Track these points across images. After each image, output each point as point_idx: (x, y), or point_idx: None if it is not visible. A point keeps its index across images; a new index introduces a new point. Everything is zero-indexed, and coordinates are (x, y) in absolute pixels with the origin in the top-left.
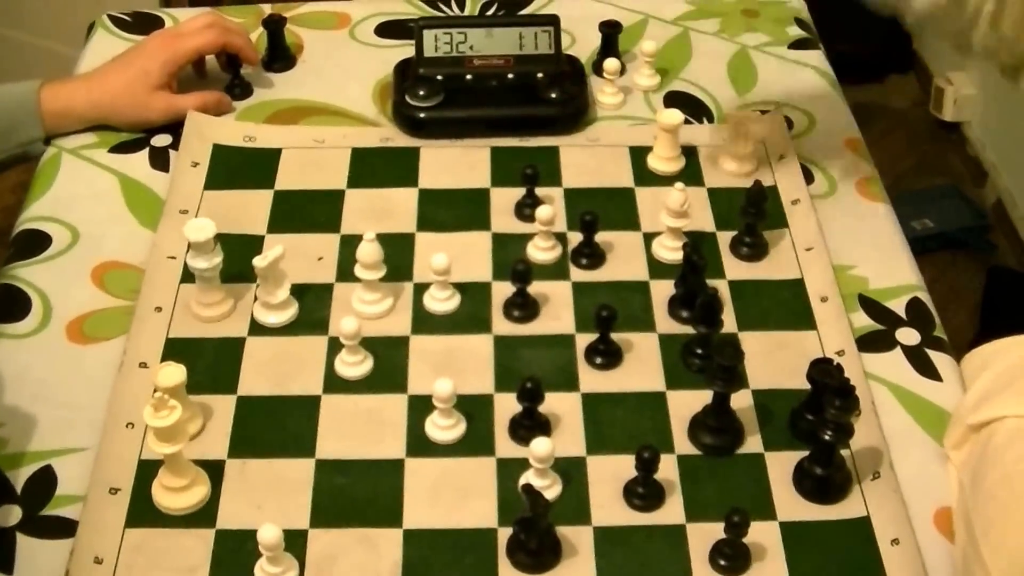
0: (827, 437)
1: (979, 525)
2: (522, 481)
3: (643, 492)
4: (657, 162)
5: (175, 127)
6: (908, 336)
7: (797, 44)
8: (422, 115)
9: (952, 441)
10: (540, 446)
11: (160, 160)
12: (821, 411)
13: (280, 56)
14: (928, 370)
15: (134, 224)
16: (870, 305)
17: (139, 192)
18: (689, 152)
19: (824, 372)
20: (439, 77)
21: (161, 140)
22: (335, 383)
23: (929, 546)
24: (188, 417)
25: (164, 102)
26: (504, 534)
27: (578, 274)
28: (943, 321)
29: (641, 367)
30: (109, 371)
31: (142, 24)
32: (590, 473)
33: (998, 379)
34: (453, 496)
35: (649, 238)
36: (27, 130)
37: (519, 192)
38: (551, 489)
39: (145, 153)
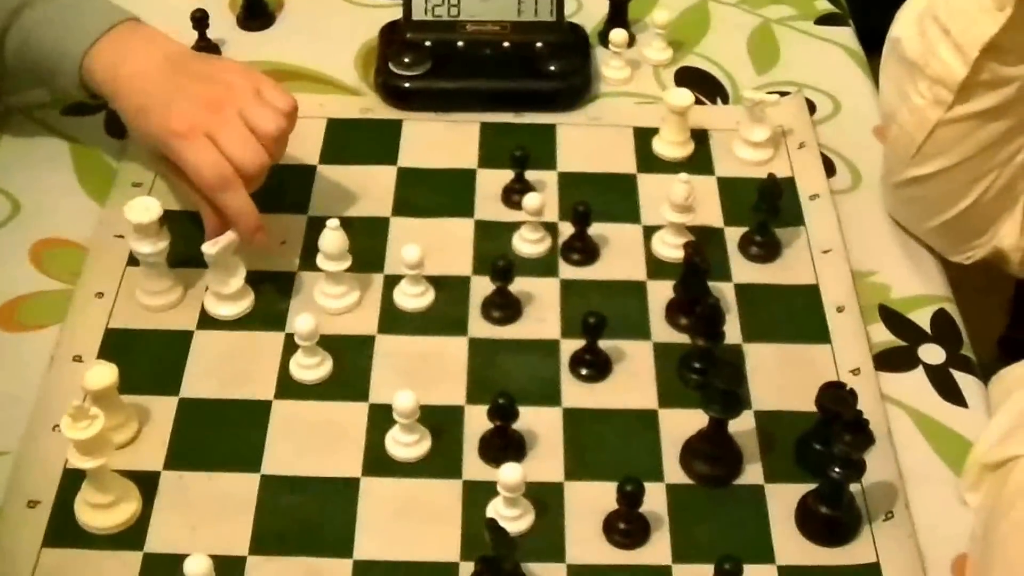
0: (835, 475)
1: None
2: (489, 511)
3: (625, 527)
4: (664, 146)
5: None
6: (932, 354)
7: (825, 19)
8: (407, 85)
9: (968, 482)
10: (509, 474)
11: (118, 125)
12: (830, 442)
13: (257, 13)
14: (953, 394)
15: (83, 196)
16: (891, 317)
17: (91, 160)
18: (700, 136)
19: (836, 399)
20: (427, 43)
21: None
22: (289, 387)
23: None
24: (119, 423)
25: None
26: (466, 569)
27: (568, 271)
28: (971, 311)
29: (632, 380)
30: (43, 363)
31: None
32: (568, 502)
33: (1021, 411)
34: (412, 523)
35: (650, 232)
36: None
37: (509, 174)
38: (522, 520)
39: (101, 117)
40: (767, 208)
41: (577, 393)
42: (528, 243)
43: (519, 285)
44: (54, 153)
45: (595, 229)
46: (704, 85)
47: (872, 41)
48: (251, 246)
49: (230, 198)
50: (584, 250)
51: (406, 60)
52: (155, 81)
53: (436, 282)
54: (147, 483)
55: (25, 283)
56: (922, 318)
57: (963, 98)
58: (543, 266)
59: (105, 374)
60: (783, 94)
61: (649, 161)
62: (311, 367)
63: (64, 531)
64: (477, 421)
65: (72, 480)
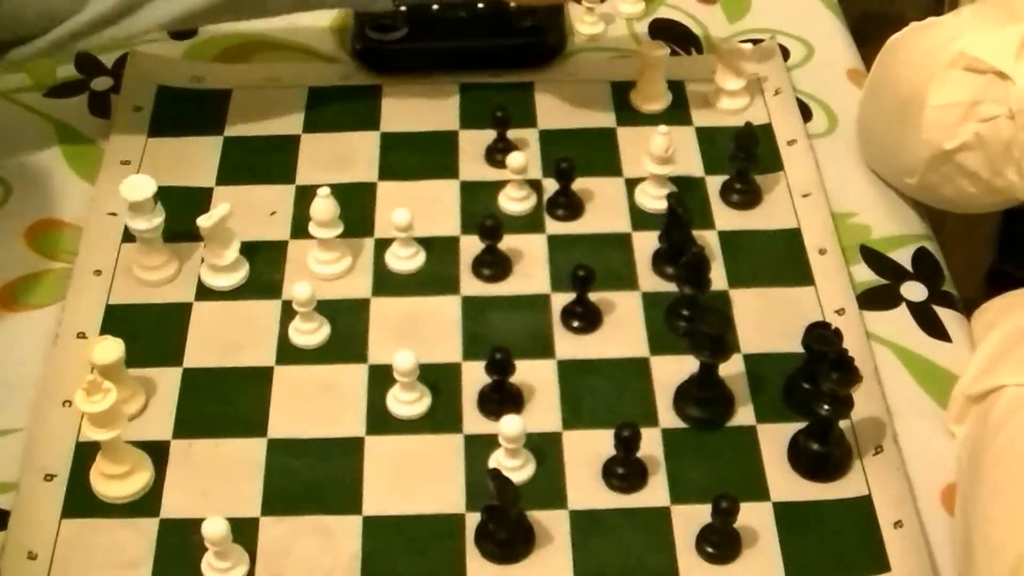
0: (824, 412)
1: (973, 513)
2: (491, 462)
3: (623, 472)
4: (641, 99)
5: (117, 69)
6: (914, 291)
7: None
8: (384, 50)
9: (954, 414)
10: (510, 425)
11: (100, 105)
12: (818, 381)
13: None
14: (936, 329)
15: (72, 177)
16: (872, 257)
17: (78, 141)
18: (676, 87)
19: (821, 339)
20: (402, 8)
21: (102, 83)
22: (289, 352)
23: (935, 527)
24: (128, 396)
25: None
26: (472, 519)
27: (554, 226)
28: (955, 248)
29: (622, 330)
30: (45, 342)
31: None
32: (566, 451)
33: (1003, 342)
34: (417, 478)
35: (632, 184)
36: None
37: (490, 134)
38: (523, 470)
39: (84, 98)
40: (745, 156)
41: (569, 345)
42: (514, 201)
43: (507, 242)
44: (40, 135)
45: (578, 184)
46: (677, 36)
47: None
48: None
49: None
50: (569, 205)
51: (382, 25)
52: None
53: (426, 243)
54: (157, 452)
55: (22, 264)
56: (903, 256)
57: None
58: (529, 223)
59: (112, 348)
60: (756, 42)
61: (627, 114)
62: (310, 332)
63: (81, 502)
64: (474, 376)
65: (85, 452)
